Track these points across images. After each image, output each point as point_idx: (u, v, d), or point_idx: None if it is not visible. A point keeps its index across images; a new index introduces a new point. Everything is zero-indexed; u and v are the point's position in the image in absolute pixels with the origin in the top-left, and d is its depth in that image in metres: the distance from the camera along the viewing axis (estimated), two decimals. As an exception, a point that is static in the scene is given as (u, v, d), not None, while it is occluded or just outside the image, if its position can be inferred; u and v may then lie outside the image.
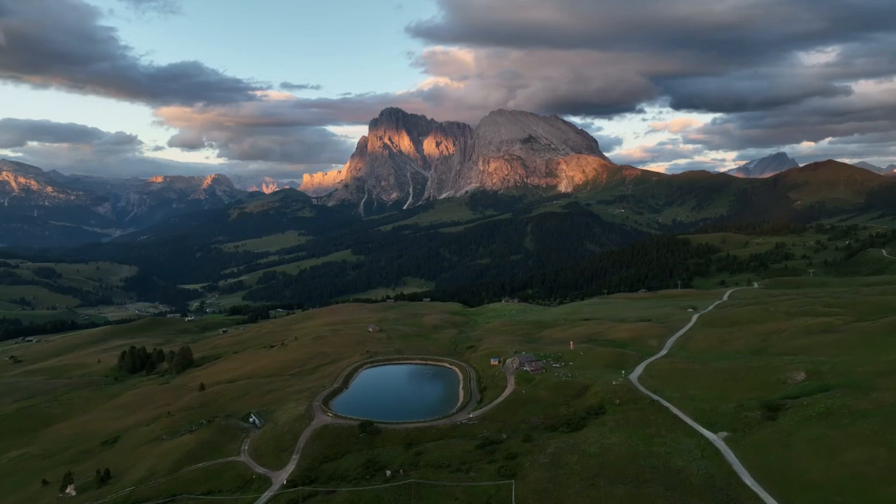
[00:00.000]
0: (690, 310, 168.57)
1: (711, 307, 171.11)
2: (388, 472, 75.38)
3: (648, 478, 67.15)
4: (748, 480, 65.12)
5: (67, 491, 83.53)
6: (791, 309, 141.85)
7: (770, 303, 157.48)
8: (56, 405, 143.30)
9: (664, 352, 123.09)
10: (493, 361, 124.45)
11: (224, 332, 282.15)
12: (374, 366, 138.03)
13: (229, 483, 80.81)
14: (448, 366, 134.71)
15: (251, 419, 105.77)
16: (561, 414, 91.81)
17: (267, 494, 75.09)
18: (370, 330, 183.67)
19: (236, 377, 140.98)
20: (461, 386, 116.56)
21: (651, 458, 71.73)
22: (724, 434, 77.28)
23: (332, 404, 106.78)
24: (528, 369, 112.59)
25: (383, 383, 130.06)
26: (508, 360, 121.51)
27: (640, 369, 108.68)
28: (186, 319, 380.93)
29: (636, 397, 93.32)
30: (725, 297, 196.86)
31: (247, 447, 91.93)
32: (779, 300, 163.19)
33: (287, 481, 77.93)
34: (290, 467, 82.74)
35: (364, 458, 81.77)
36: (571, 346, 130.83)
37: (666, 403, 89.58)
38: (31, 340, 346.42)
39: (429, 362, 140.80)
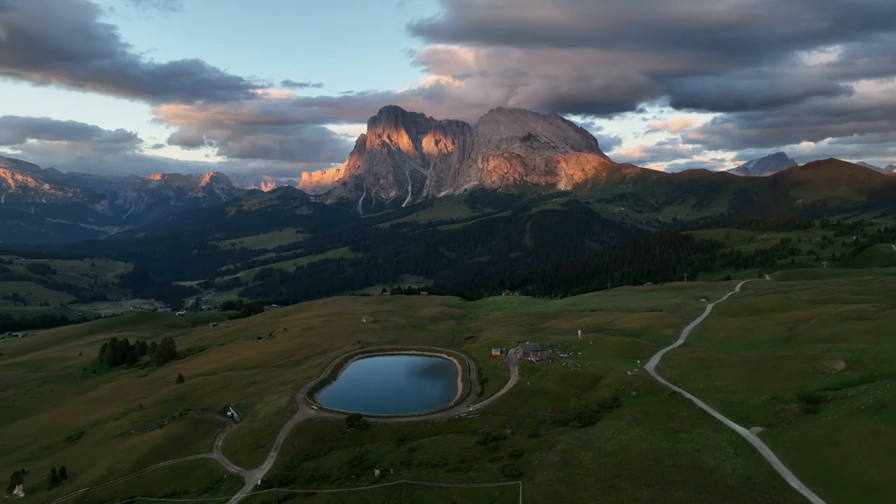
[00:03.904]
0: (703, 300, 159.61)
1: (725, 297, 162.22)
2: (377, 472, 66.89)
3: (676, 479, 58.58)
4: (794, 483, 56.08)
5: (15, 492, 74.21)
6: (815, 297, 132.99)
7: (790, 292, 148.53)
8: (26, 399, 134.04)
9: (681, 341, 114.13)
10: (495, 352, 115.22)
11: (214, 325, 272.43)
12: (366, 356, 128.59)
13: (197, 483, 71.70)
14: (446, 357, 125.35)
15: (229, 413, 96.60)
16: (571, 407, 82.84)
17: (237, 497, 65.91)
18: (364, 321, 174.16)
19: (218, 369, 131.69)
20: (460, 378, 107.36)
21: (677, 456, 62.99)
22: (759, 429, 68.42)
23: (318, 397, 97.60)
24: (532, 359, 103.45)
25: (375, 375, 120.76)
26: (511, 350, 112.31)
27: (656, 359, 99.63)
28: (177, 314, 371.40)
29: (655, 389, 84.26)
30: (737, 289, 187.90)
31: (220, 443, 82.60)
32: (798, 290, 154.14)
33: (261, 481, 68.88)
34: (267, 466, 73.55)
35: (350, 455, 73.07)
36: (580, 335, 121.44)
37: (689, 395, 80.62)
38: (17, 335, 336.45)
39: (425, 353, 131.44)
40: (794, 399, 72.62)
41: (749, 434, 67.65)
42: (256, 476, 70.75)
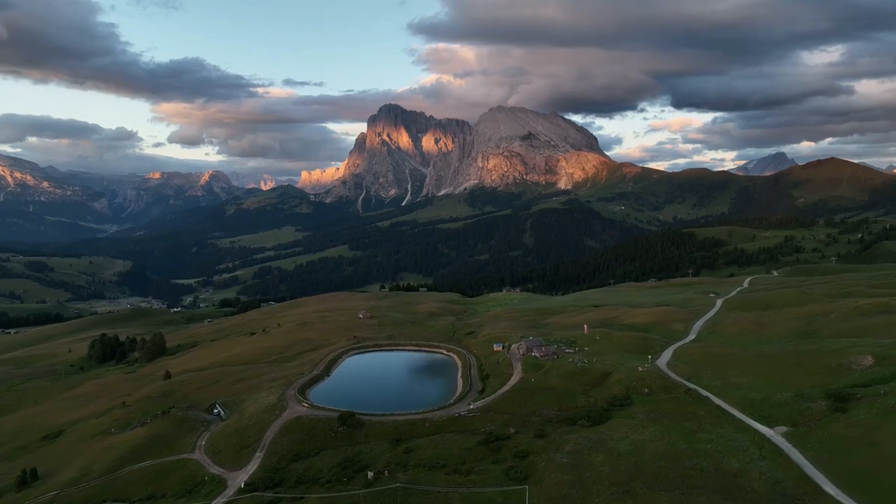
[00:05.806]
0: (712, 294, 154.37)
1: (734, 292, 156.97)
2: (371, 474, 61.60)
3: (697, 483, 53.49)
4: (829, 489, 50.85)
5: (-20, 494, 68.74)
6: (831, 291, 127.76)
7: (804, 286, 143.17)
8: (7, 396, 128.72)
9: (692, 336, 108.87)
10: (497, 347, 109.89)
11: (209, 322, 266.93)
12: (362, 352, 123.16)
13: (175, 486, 66.35)
14: (445, 353, 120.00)
15: (216, 410, 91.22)
16: (579, 405, 77.52)
17: (218, 501, 60.72)
18: (360, 316, 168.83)
19: (208, 365, 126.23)
20: (460, 374, 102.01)
21: (697, 457, 57.80)
22: (784, 429, 63.28)
23: (310, 393, 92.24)
24: (536, 355, 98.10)
25: (370, 371, 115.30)
26: (514, 346, 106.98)
27: (667, 355, 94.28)
28: (173, 311, 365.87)
29: (668, 385, 78.97)
30: (746, 284, 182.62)
31: (203, 442, 77.24)
32: (812, 284, 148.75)
33: (245, 484, 63.55)
34: (252, 467, 68.18)
35: (342, 455, 67.82)
36: (586, 329, 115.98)
37: (705, 393, 75.36)
38: (9, 332, 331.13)
39: (423, 348, 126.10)
40: (820, 397, 67.36)
41: (774, 434, 62.50)
42: (240, 478, 65.42)
